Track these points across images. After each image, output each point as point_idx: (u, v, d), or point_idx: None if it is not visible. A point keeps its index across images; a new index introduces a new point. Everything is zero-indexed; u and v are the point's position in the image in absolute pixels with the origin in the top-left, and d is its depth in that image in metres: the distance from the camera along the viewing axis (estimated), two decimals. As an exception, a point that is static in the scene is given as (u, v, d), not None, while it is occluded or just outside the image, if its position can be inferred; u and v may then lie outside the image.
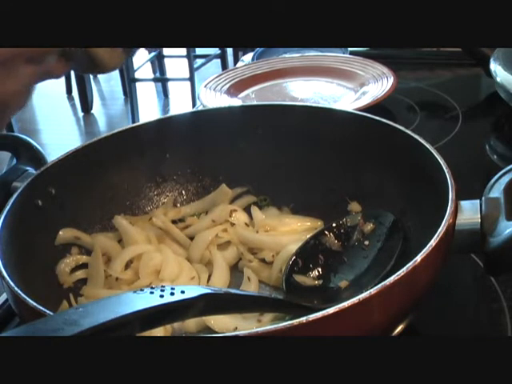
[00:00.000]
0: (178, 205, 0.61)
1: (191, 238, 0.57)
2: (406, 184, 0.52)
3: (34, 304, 0.37)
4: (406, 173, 0.52)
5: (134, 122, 2.74)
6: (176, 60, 3.28)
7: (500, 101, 0.79)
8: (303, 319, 0.32)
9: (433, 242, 0.37)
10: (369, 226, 0.52)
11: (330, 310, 0.33)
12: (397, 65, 0.94)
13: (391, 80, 0.86)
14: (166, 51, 3.11)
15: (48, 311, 0.36)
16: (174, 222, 0.59)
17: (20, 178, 0.54)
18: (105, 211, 0.58)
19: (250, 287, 0.52)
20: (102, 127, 3.14)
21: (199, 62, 2.90)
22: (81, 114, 3.20)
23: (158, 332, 0.44)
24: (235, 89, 0.92)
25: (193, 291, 0.36)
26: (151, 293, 0.34)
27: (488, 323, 0.48)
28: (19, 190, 0.49)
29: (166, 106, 3.27)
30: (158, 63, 3.16)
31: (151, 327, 0.34)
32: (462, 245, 0.41)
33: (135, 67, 2.77)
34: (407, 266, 0.36)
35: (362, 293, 0.34)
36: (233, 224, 0.58)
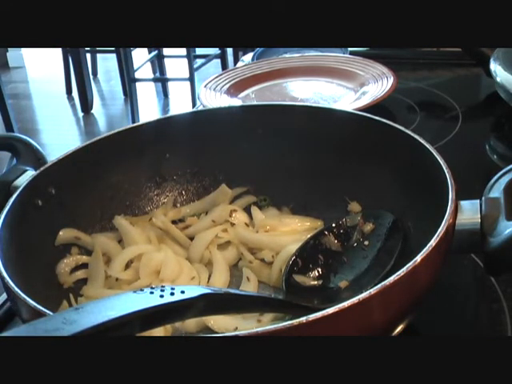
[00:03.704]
0: (178, 205, 0.61)
1: (191, 238, 0.57)
2: (406, 184, 0.52)
3: (34, 304, 0.37)
4: (406, 173, 0.52)
5: (133, 121, 2.74)
6: (176, 60, 3.28)
7: (500, 101, 0.79)
8: (303, 319, 0.32)
9: (433, 242, 0.37)
10: (368, 226, 0.52)
11: (330, 310, 0.33)
12: (397, 65, 0.93)
13: (391, 80, 0.86)
14: (166, 51, 3.11)
15: (48, 311, 0.36)
16: (174, 222, 0.59)
17: (20, 178, 0.54)
18: (105, 211, 0.58)
19: (250, 287, 0.52)
20: (102, 127, 3.14)
21: (199, 62, 2.90)
22: (81, 114, 3.20)
23: (158, 332, 0.44)
24: (235, 89, 0.92)
25: (193, 291, 0.36)
26: (151, 293, 0.34)
27: (488, 323, 0.48)
28: (19, 190, 0.49)
29: (165, 106, 3.27)
30: (158, 63, 3.16)
31: (151, 327, 0.34)
32: (462, 245, 0.41)
33: (135, 67, 2.76)
34: (407, 266, 0.36)
35: (361, 293, 0.34)
36: (233, 224, 0.58)
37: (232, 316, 0.47)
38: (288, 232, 0.56)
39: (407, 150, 0.51)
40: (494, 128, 0.82)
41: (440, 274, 0.41)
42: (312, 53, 1.02)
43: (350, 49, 1.03)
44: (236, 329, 0.46)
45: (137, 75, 2.79)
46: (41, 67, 3.93)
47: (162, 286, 0.35)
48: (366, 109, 0.76)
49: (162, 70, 3.16)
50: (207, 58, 2.94)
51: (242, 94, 0.91)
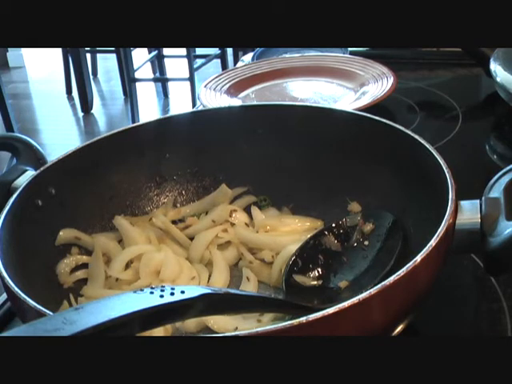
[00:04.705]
0: (178, 205, 0.61)
1: (191, 238, 0.57)
2: (405, 184, 0.52)
3: (34, 304, 0.37)
4: (406, 173, 0.52)
5: (133, 121, 2.74)
6: (176, 60, 3.28)
7: (500, 101, 0.79)
8: (303, 319, 0.32)
9: (433, 242, 0.37)
10: (368, 226, 0.52)
11: (330, 310, 0.33)
12: (397, 65, 0.93)
13: (391, 80, 0.86)
14: (166, 51, 3.11)
15: (48, 311, 0.36)
16: (173, 222, 0.59)
17: (20, 178, 0.54)
18: (105, 211, 0.58)
19: (250, 287, 0.52)
20: (102, 127, 3.14)
21: (199, 62, 2.90)
22: (81, 114, 3.20)
23: (158, 332, 0.44)
24: (235, 89, 0.92)
25: (193, 291, 0.36)
26: (151, 293, 0.34)
27: (488, 323, 0.48)
28: (19, 190, 0.49)
29: (165, 106, 3.27)
30: (158, 63, 3.16)
31: (151, 327, 0.34)
32: (462, 245, 0.41)
33: (135, 67, 2.76)
34: (407, 266, 0.36)
35: (361, 293, 0.34)
36: (233, 224, 0.58)
37: (232, 316, 0.47)
38: (288, 232, 0.56)
39: (407, 149, 0.51)
40: (494, 128, 0.82)
41: (440, 273, 0.41)
42: (312, 53, 1.02)
43: (349, 49, 1.03)
44: (236, 329, 0.46)
45: (137, 75, 2.79)
46: (41, 67, 3.93)
47: (162, 286, 0.35)
48: (366, 109, 0.76)
49: (162, 70, 3.16)
50: (207, 58, 2.94)
51: (242, 94, 0.91)
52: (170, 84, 3.35)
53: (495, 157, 0.75)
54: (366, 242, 0.51)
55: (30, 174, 0.54)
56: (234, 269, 0.55)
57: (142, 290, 0.35)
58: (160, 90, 3.34)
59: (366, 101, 0.82)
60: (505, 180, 0.44)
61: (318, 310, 0.34)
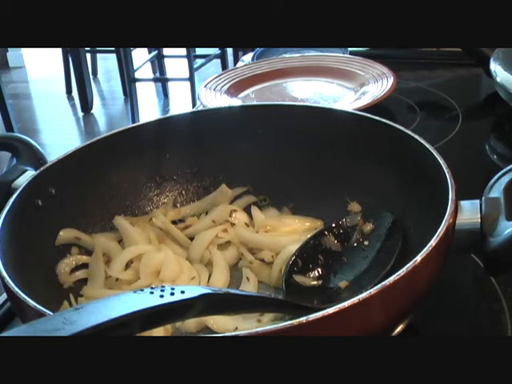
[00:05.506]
0: (178, 205, 0.61)
1: (191, 239, 0.57)
2: (405, 184, 0.52)
3: (34, 304, 0.37)
4: (405, 173, 0.52)
5: (133, 121, 2.74)
6: (176, 60, 3.28)
7: (500, 101, 0.79)
8: (303, 319, 0.32)
9: (433, 242, 0.37)
10: (368, 227, 0.52)
11: (330, 310, 0.33)
12: (397, 65, 0.93)
13: (391, 80, 0.86)
14: (166, 51, 3.11)
15: (48, 311, 0.36)
16: (174, 222, 0.59)
17: (20, 178, 0.54)
18: (105, 211, 0.58)
19: (249, 287, 0.52)
20: (102, 127, 3.15)
21: (199, 62, 2.90)
22: (81, 114, 3.20)
23: (158, 332, 0.44)
24: (235, 89, 0.92)
25: (193, 291, 0.36)
26: (151, 293, 0.34)
27: (488, 323, 0.48)
28: (19, 190, 0.49)
29: (165, 106, 3.27)
30: (158, 63, 3.16)
31: (151, 327, 0.34)
32: (462, 245, 0.41)
33: (135, 67, 2.76)
34: (407, 266, 0.36)
35: (361, 293, 0.34)
36: (233, 224, 0.58)
37: (232, 316, 0.47)
38: (288, 232, 0.56)
39: (407, 150, 0.51)
40: (494, 128, 0.82)
41: (440, 273, 0.41)
42: (312, 53, 1.02)
43: (349, 49, 1.03)
44: (236, 329, 0.46)
45: (137, 75, 2.79)
46: (41, 67, 3.93)
47: (162, 286, 0.35)
48: (366, 109, 0.76)
49: (162, 70, 3.16)
50: (207, 58, 2.94)
51: (242, 94, 0.91)
52: (170, 84, 3.35)
53: (495, 157, 0.75)
54: (366, 242, 0.51)
55: (30, 173, 0.54)
56: (234, 269, 0.55)
57: (142, 290, 0.35)
58: (160, 90, 3.34)
59: (366, 101, 0.82)
60: (505, 180, 0.44)
61: (318, 309, 0.34)
